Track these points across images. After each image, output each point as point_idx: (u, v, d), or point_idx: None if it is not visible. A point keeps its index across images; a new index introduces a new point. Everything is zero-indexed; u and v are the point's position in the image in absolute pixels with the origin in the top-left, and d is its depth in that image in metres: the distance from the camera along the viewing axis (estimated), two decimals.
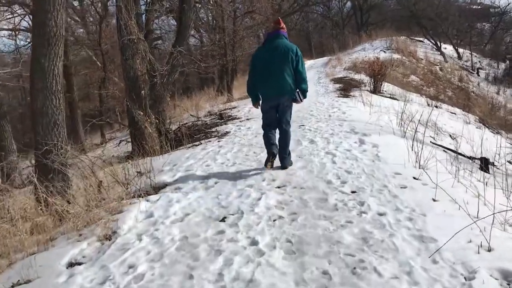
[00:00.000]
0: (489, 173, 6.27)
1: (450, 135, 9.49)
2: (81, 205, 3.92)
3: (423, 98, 13.57)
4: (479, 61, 29.29)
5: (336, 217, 3.32)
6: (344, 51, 25.18)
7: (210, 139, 7.67)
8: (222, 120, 10.08)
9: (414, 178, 4.21)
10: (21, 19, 16.05)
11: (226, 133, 8.08)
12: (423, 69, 22.14)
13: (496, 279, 2.44)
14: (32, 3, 8.39)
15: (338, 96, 11.39)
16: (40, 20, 4.69)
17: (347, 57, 21.84)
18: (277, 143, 4.88)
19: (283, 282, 2.52)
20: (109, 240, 3.31)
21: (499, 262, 2.56)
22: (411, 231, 2.94)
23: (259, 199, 3.86)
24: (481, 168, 6.44)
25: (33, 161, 5.69)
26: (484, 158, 6.73)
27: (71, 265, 3.00)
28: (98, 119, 16.44)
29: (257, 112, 10.00)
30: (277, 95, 4.71)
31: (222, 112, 11.52)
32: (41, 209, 3.96)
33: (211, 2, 12.41)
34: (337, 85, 13.69)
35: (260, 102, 4.93)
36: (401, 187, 3.91)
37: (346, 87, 13.07)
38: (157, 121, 8.41)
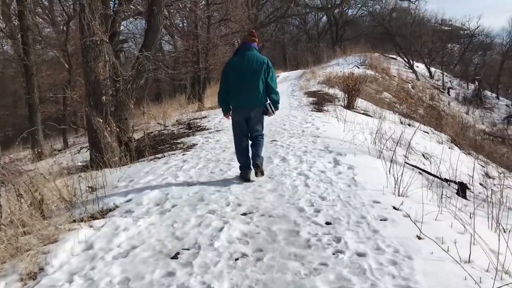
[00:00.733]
0: (466, 199, 6.01)
1: (423, 155, 9.31)
2: (8, 231, 3.28)
3: (396, 116, 13.44)
4: (450, 81, 29.94)
5: (308, 257, 2.83)
6: (318, 64, 25.11)
7: (174, 152, 7.10)
8: (190, 131, 9.51)
9: (395, 208, 3.80)
10: None
11: (193, 145, 7.53)
12: (396, 86, 22.27)
13: None
14: None
15: (312, 110, 11.06)
16: None
17: (321, 71, 21.70)
18: (249, 155, 4.88)
19: None
20: (34, 279, 2.70)
21: None
22: (396, 280, 2.48)
23: (221, 229, 3.34)
24: (458, 193, 6.19)
25: None
26: (461, 182, 6.48)
27: None
28: (62, 124, 15.57)
29: (228, 123, 9.51)
30: (249, 106, 4.71)
31: (191, 121, 10.97)
32: None
33: (182, 6, 11.87)
34: (311, 99, 13.41)
35: (231, 112, 4.89)
36: (381, 219, 3.47)
37: (320, 101, 12.82)
38: (118, 129, 7.78)
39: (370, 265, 2.67)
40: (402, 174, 4.43)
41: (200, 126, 10.09)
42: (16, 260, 2.90)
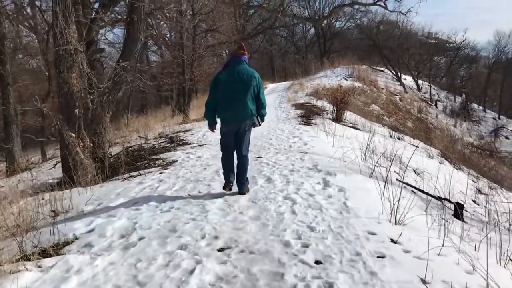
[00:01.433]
0: (464, 221, 5.64)
1: (414, 170, 8.98)
2: None
3: (385, 129, 13.12)
4: (437, 93, 29.99)
5: None
6: (306, 76, 24.86)
7: (151, 169, 6.58)
8: (172, 145, 9.00)
9: (392, 241, 3.34)
10: None
11: (172, 162, 7.02)
12: (385, 99, 22.08)
13: None
14: None
15: (300, 124, 10.66)
16: None
17: (309, 82, 21.40)
18: (235, 169, 4.83)
19: None
20: None
21: None
22: None
23: (192, 271, 2.83)
24: (455, 215, 5.82)
25: None
26: (458, 203, 6.11)
27: None
28: (41, 136, 14.87)
29: (212, 137, 9.05)
30: (239, 119, 4.69)
31: (174, 135, 10.46)
32: None
33: (168, 16, 11.42)
34: (299, 111, 13.02)
35: (218, 125, 4.88)
36: (379, 256, 3.01)
37: (308, 114, 12.44)
38: (93, 144, 7.24)
39: None
40: (399, 199, 3.98)
41: (183, 140, 9.60)
42: None
